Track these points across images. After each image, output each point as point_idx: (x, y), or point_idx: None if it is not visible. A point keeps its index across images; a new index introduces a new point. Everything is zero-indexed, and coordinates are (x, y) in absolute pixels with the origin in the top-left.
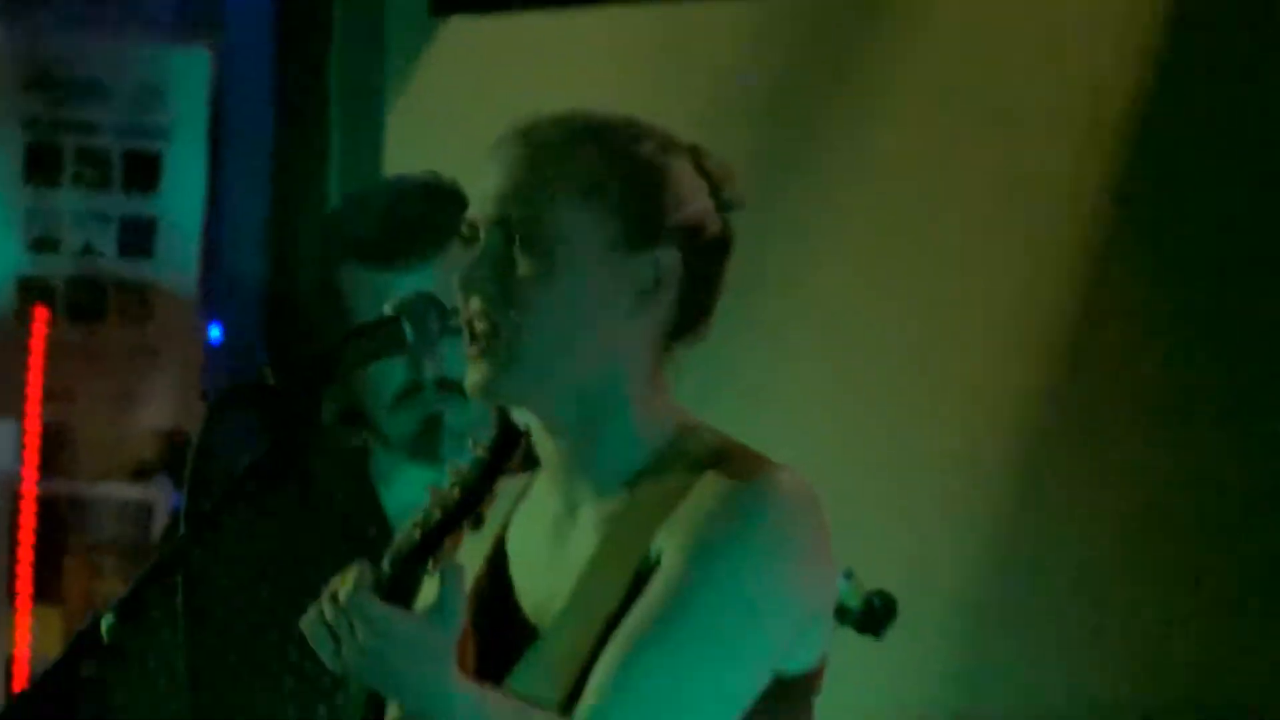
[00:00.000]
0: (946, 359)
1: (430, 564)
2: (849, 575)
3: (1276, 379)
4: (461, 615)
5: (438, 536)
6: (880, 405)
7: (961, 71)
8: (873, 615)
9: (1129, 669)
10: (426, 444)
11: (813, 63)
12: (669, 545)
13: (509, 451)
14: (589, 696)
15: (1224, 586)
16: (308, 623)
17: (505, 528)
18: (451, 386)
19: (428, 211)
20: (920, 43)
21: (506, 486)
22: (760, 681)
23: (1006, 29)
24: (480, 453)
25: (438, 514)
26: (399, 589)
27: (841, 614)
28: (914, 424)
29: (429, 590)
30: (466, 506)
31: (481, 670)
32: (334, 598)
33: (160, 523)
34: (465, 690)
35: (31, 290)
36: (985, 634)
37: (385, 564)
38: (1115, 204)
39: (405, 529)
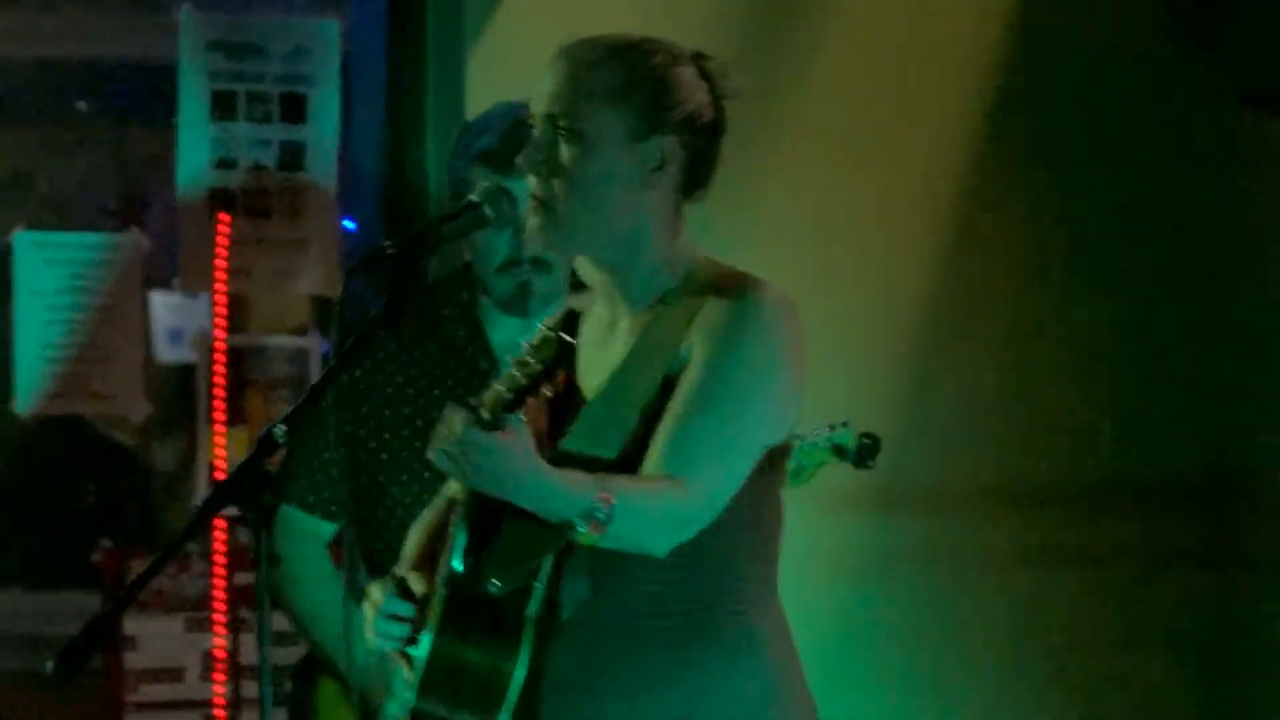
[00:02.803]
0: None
1: (520, 413)
2: (846, 424)
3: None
4: (527, 430)
5: (523, 396)
6: (833, 267)
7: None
8: (864, 452)
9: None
10: (519, 303)
11: (773, 24)
12: (696, 343)
13: (571, 348)
14: (654, 456)
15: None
16: (434, 453)
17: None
18: (541, 263)
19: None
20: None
21: (582, 303)
22: (767, 438)
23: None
24: (554, 338)
25: (523, 380)
26: (493, 428)
27: (841, 453)
28: (852, 280)
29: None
30: (544, 378)
31: (552, 435)
32: (446, 433)
33: (314, 364)
34: (552, 474)
35: (217, 197)
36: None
37: (484, 411)
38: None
39: (495, 387)
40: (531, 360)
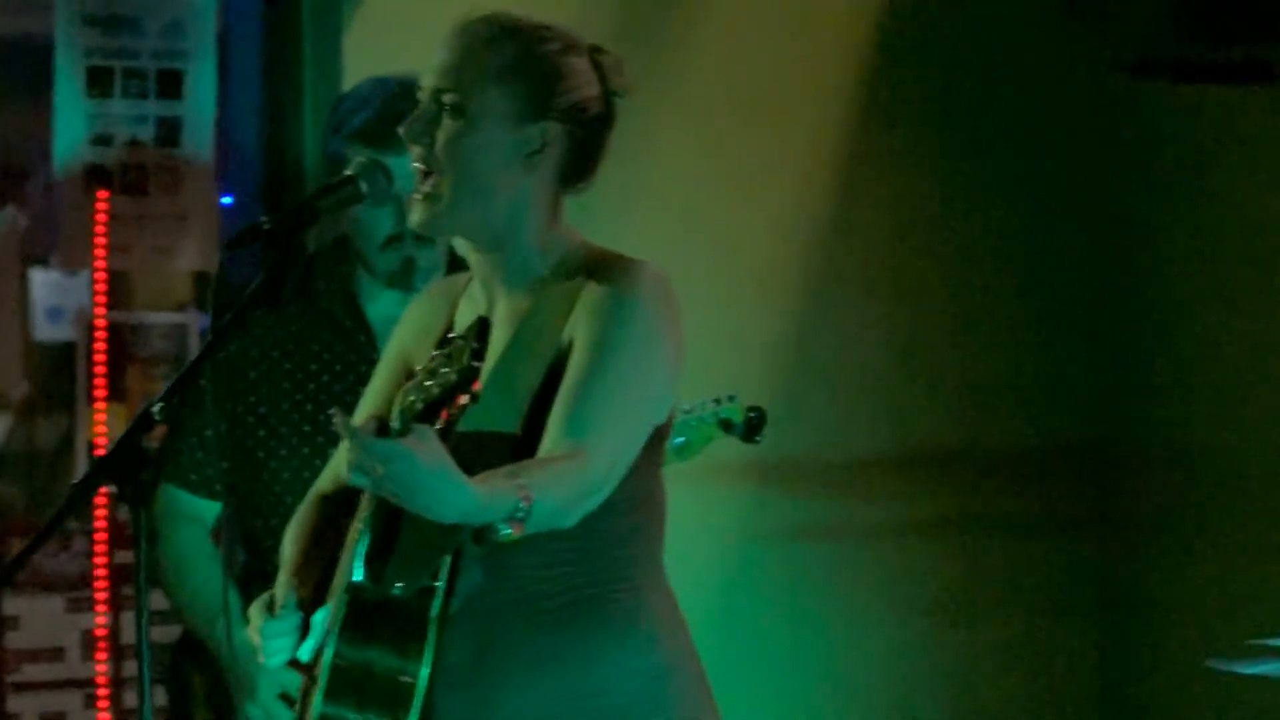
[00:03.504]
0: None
1: (433, 425)
2: (733, 398)
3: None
4: (436, 440)
5: (437, 406)
6: (712, 243)
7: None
8: (751, 426)
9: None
10: (403, 278)
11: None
12: (580, 324)
13: (480, 363)
14: (553, 433)
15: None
16: (346, 469)
17: (452, 316)
18: (423, 237)
19: (413, 108)
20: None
21: (455, 284)
22: (655, 409)
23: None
24: (469, 359)
25: (437, 391)
26: (401, 436)
27: (728, 427)
28: (729, 263)
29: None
30: (459, 388)
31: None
32: (356, 446)
33: (193, 340)
34: (469, 482)
35: (95, 174)
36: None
37: (395, 421)
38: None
39: (407, 399)
40: (447, 369)
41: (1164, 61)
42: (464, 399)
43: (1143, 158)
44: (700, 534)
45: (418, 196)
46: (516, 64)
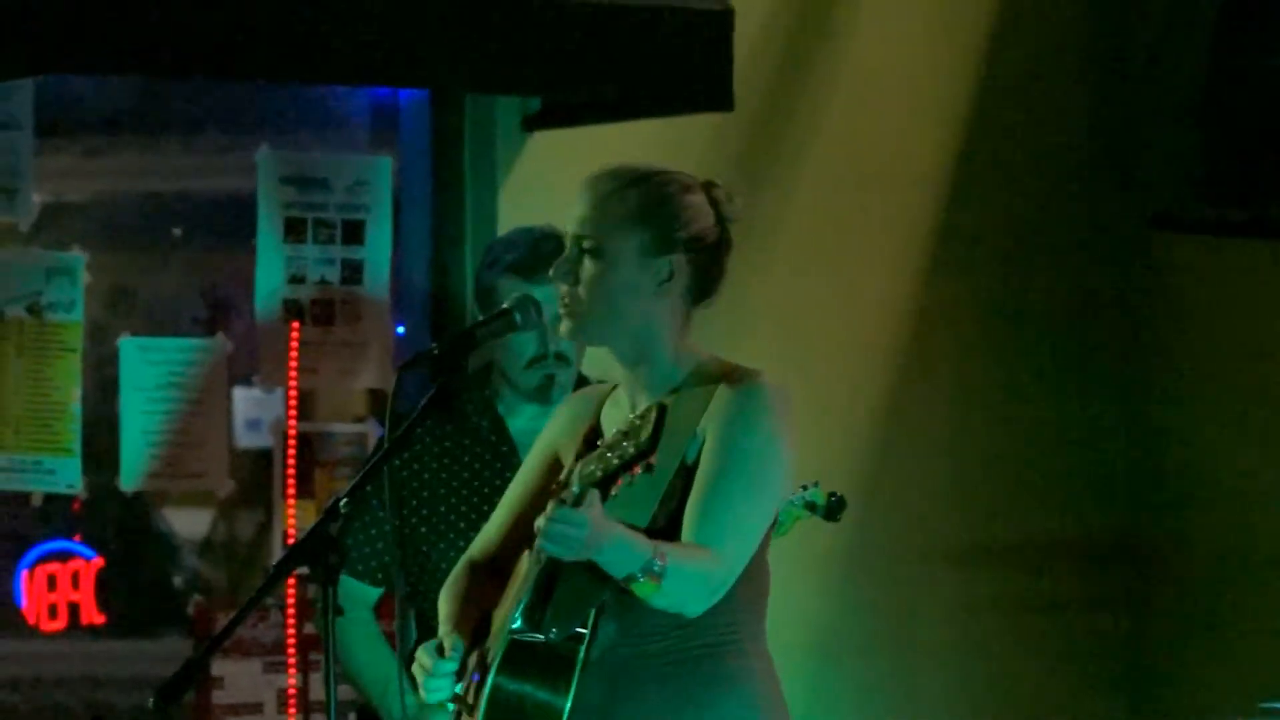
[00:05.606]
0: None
1: (609, 491)
2: (816, 484)
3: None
4: (599, 502)
5: (615, 475)
6: (803, 357)
7: (845, 146)
8: (833, 508)
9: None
10: (544, 393)
11: (758, 156)
12: (711, 426)
13: (656, 440)
14: (688, 527)
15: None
16: (542, 536)
17: (599, 417)
18: (563, 357)
19: (554, 248)
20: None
21: (600, 390)
22: (774, 509)
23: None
24: (646, 437)
25: (615, 462)
26: (577, 504)
27: (813, 508)
28: (824, 367)
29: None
30: (636, 460)
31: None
32: (547, 517)
33: (370, 447)
34: (623, 534)
35: (290, 308)
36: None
37: (575, 489)
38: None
39: (587, 468)
40: (626, 444)
41: (1188, 218)
42: (638, 469)
43: (1169, 299)
44: (794, 608)
45: (564, 315)
46: (641, 208)
